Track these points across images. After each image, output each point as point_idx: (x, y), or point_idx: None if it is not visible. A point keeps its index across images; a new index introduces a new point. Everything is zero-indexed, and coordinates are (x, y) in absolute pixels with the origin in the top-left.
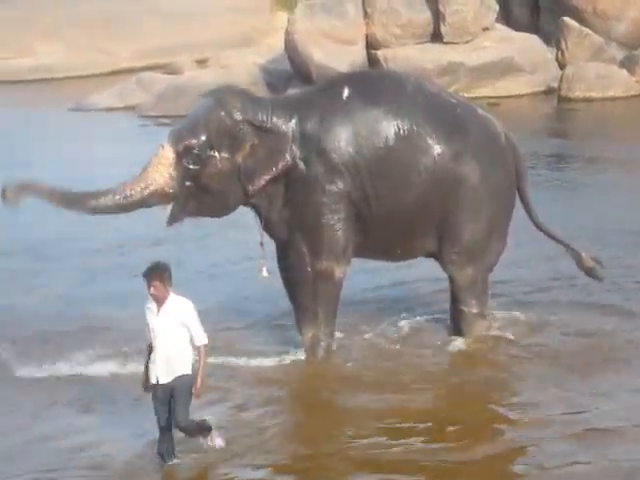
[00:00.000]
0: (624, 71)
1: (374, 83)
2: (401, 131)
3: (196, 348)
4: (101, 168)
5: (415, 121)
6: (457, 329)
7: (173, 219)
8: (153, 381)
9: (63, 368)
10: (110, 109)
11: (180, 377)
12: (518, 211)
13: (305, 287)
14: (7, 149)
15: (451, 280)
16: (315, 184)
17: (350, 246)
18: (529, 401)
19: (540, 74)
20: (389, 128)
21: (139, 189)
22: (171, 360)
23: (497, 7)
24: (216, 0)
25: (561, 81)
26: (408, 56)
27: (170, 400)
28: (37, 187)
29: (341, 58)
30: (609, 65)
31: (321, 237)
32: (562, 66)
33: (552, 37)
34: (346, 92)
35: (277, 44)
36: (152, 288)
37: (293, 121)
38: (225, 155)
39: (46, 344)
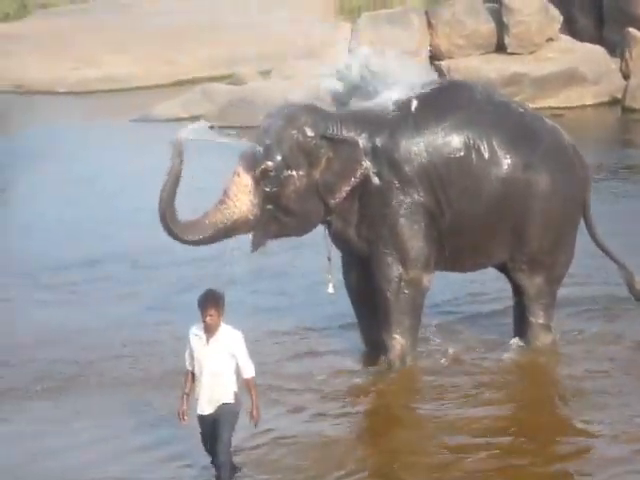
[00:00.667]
0: None
1: (443, 93)
2: (471, 141)
3: (242, 379)
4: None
5: (485, 131)
6: (523, 339)
7: (257, 244)
8: (199, 412)
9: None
10: (174, 119)
11: (223, 406)
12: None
13: (386, 299)
14: (70, 161)
15: (520, 290)
16: (390, 197)
17: (433, 254)
18: (610, 416)
19: (604, 85)
20: (460, 138)
21: (222, 222)
22: (215, 390)
23: (561, 18)
24: (280, 11)
25: (625, 92)
26: (472, 67)
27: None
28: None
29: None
30: None
31: (406, 247)
32: (626, 77)
33: (616, 48)
34: (414, 104)
35: (341, 55)
36: (208, 317)
37: (364, 134)
38: (302, 173)
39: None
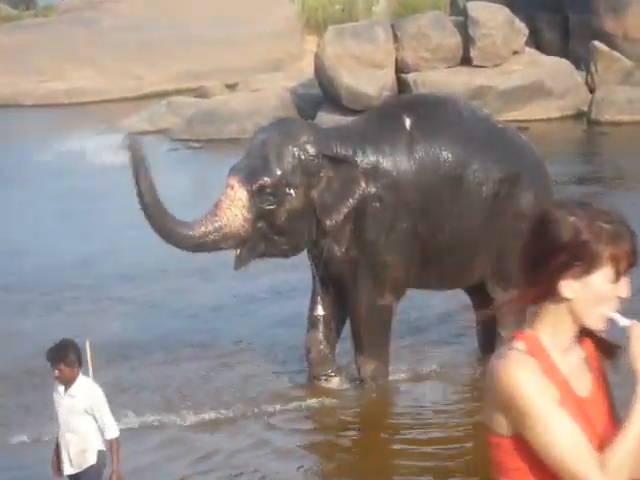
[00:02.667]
0: None
1: (433, 110)
2: (466, 160)
3: (105, 440)
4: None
5: (477, 149)
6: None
7: (241, 262)
8: (64, 472)
9: None
10: (140, 133)
11: (87, 469)
12: None
13: (361, 321)
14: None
15: (494, 305)
16: (384, 220)
17: (408, 281)
18: None
19: (570, 98)
20: (455, 157)
21: (212, 233)
22: (72, 450)
23: (527, 31)
24: (246, 25)
25: (591, 105)
26: (438, 80)
27: None
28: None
29: (371, 82)
30: (639, 89)
31: (388, 274)
32: (592, 90)
33: (582, 61)
34: (408, 122)
35: (307, 68)
36: (57, 372)
37: (362, 153)
38: (300, 191)
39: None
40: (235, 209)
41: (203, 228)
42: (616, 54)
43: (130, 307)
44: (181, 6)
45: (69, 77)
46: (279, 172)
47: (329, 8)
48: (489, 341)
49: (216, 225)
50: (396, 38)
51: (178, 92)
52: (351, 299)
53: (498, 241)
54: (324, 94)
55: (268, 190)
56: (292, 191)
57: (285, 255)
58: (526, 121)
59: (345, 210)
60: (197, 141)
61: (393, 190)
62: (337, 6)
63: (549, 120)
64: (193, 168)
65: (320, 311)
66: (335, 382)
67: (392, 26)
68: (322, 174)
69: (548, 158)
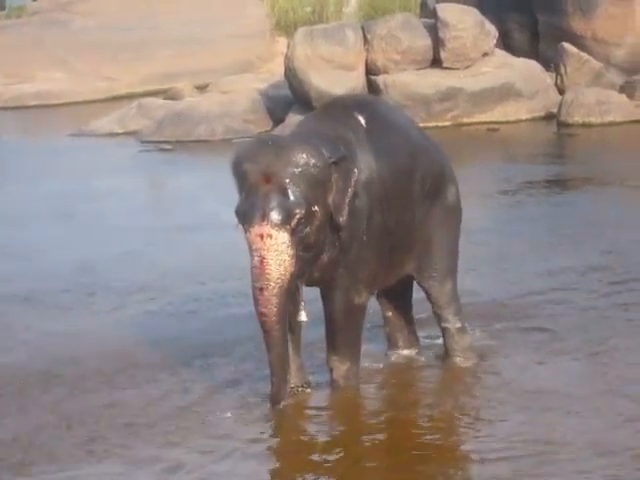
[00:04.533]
0: (623, 96)
1: (376, 109)
2: (410, 155)
3: None
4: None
5: (414, 145)
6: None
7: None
8: None
9: None
10: (110, 134)
11: None
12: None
13: (338, 322)
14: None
15: (429, 299)
16: (361, 219)
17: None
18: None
19: (540, 99)
20: (403, 153)
21: (280, 300)
22: None
23: (497, 33)
24: (216, 27)
25: (560, 106)
26: (408, 82)
27: None
28: None
29: (341, 84)
30: (608, 90)
31: (365, 273)
32: (561, 91)
33: (551, 62)
34: (362, 120)
35: (277, 70)
36: None
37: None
38: (321, 204)
39: None
40: (282, 255)
41: (270, 307)
42: (585, 56)
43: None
44: (151, 8)
45: (38, 79)
46: (302, 196)
47: (299, 10)
48: (402, 334)
49: (278, 292)
50: (366, 40)
51: (148, 94)
52: (329, 298)
53: (427, 234)
54: (294, 96)
55: (303, 220)
56: (316, 207)
57: (309, 269)
58: (496, 122)
59: (347, 200)
60: (167, 143)
61: (367, 186)
62: (307, 8)
63: (519, 122)
64: (164, 170)
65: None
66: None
67: (362, 28)
68: (333, 180)
69: (518, 160)
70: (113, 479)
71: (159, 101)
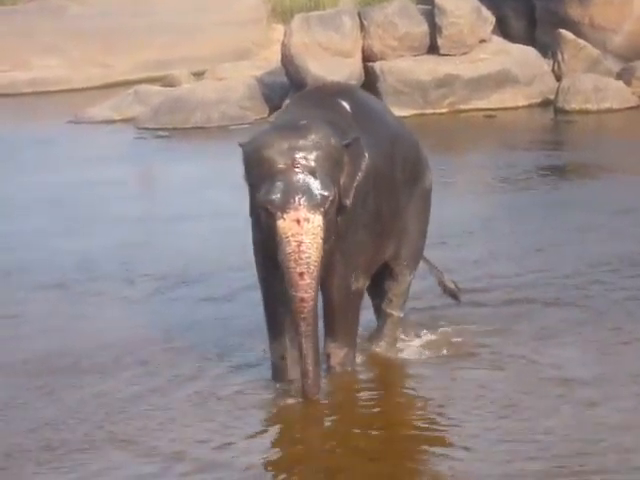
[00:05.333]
0: (620, 83)
1: (358, 96)
2: (391, 142)
3: None
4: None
5: (392, 130)
6: (377, 333)
7: None
8: None
9: None
10: (107, 121)
11: None
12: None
13: (338, 307)
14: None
15: (392, 286)
16: (357, 203)
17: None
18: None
19: (536, 86)
20: (386, 139)
21: (314, 283)
22: None
23: (494, 19)
24: (212, 14)
25: (557, 93)
26: (405, 68)
27: None
28: None
29: (338, 70)
30: (605, 77)
31: (360, 258)
32: (558, 78)
33: (549, 49)
34: (347, 106)
35: (274, 57)
36: None
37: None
38: (337, 186)
39: None
40: (317, 238)
41: (308, 289)
42: (582, 42)
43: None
44: None
45: (33, 66)
46: (330, 180)
47: None
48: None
49: (312, 268)
50: (363, 26)
51: (144, 81)
52: (326, 285)
53: (405, 220)
54: (291, 82)
55: (332, 202)
56: (335, 189)
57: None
58: (493, 109)
59: (354, 184)
60: (164, 129)
61: (366, 171)
62: None
63: (516, 108)
64: (160, 157)
65: None
66: None
67: (359, 14)
68: (346, 163)
69: (515, 146)
70: (155, 467)
71: (155, 88)
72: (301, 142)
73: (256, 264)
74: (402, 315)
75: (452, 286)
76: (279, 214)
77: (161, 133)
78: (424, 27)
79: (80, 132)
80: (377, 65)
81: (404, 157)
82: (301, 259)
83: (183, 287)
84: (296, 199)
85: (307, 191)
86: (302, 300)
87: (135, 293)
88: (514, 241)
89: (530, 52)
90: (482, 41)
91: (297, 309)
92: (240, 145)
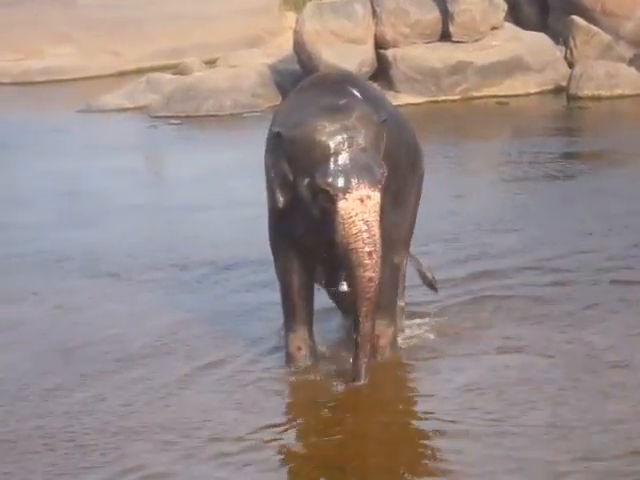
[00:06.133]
0: (633, 69)
1: (362, 83)
2: (395, 128)
3: None
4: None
5: (392, 118)
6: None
7: None
8: None
9: None
10: (119, 109)
11: None
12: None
13: (383, 285)
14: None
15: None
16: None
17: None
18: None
19: (549, 73)
20: (391, 125)
21: (380, 261)
22: None
23: (506, 6)
24: (224, 2)
25: (570, 80)
26: (417, 55)
27: None
28: None
29: (350, 58)
30: (618, 63)
31: (397, 232)
32: (571, 65)
33: (561, 36)
34: (357, 93)
35: (286, 44)
36: None
37: None
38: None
39: None
40: (377, 215)
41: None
42: (594, 28)
43: None
44: None
45: (46, 55)
46: (378, 153)
47: None
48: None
49: (379, 246)
50: (375, 13)
51: (157, 69)
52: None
53: (405, 204)
54: (303, 70)
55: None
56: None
57: None
58: (505, 96)
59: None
60: (176, 117)
61: (398, 147)
62: None
63: (528, 95)
64: (174, 144)
65: None
66: None
67: (371, 1)
68: (384, 138)
69: (528, 133)
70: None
71: (168, 76)
72: (349, 122)
73: (277, 256)
74: (403, 304)
75: (430, 276)
76: (341, 195)
77: (173, 121)
78: (436, 14)
79: (92, 120)
80: (389, 52)
81: (408, 141)
82: (369, 238)
83: (228, 273)
84: (357, 178)
85: (365, 169)
86: (370, 280)
87: (186, 278)
88: (560, 227)
89: (542, 39)
90: (494, 28)
91: (364, 289)
92: (279, 134)
